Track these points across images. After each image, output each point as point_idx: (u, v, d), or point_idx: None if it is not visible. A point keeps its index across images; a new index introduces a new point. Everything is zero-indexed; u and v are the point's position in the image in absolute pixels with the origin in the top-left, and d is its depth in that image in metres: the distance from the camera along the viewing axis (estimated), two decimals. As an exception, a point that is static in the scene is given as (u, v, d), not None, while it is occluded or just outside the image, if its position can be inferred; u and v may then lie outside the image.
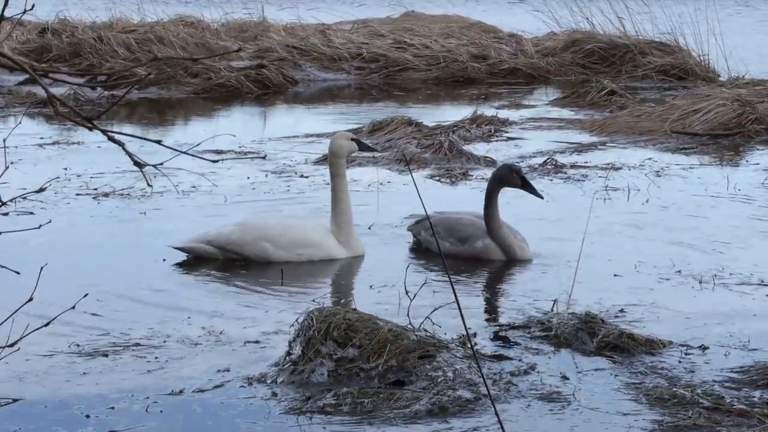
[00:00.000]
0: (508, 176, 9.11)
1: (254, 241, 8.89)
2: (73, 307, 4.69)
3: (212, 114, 17.93)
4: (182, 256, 8.96)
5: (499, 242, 9.01)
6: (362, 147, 9.60)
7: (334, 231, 9.04)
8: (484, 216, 9.08)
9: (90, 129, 3.08)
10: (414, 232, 9.47)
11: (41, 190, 4.04)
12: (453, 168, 12.71)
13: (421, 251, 9.30)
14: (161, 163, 3.28)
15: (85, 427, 5.67)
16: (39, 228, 5.07)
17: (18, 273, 4.61)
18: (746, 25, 32.36)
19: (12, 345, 4.91)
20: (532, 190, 9.21)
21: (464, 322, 3.07)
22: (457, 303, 3.17)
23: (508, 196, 11.31)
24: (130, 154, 3.07)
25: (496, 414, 3.40)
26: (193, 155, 3.39)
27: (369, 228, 9.83)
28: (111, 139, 3.03)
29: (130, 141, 3.54)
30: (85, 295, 5.00)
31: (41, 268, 4.71)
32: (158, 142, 3.15)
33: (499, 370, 6.40)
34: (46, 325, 4.59)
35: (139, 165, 3.09)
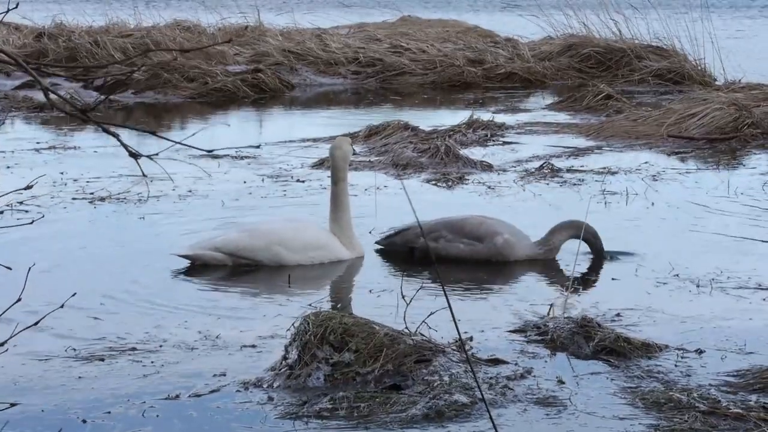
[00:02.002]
0: (592, 240, 9.02)
1: (267, 246, 8.87)
2: (62, 306, 4.67)
3: (209, 118, 17.93)
4: (183, 262, 8.91)
5: (553, 245, 9.00)
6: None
7: (336, 233, 9.08)
8: (563, 228, 9.04)
9: (84, 120, 3.09)
10: (402, 242, 9.21)
11: (28, 187, 4.05)
12: (449, 172, 12.71)
13: (408, 256, 9.24)
14: (156, 154, 3.30)
15: (81, 432, 5.66)
16: (32, 223, 5.07)
17: (9, 269, 4.61)
18: (740, 30, 32.40)
19: (1, 345, 4.91)
20: (600, 257, 9.10)
21: (457, 328, 3.07)
22: (450, 309, 3.18)
23: (508, 200, 11.35)
24: (125, 145, 3.08)
25: (491, 419, 3.40)
26: (187, 145, 3.40)
27: (369, 232, 9.82)
28: (106, 130, 3.04)
29: (125, 134, 3.53)
30: (74, 294, 4.99)
31: (29, 269, 4.69)
32: (153, 132, 3.17)
33: (495, 374, 6.40)
34: (36, 324, 4.57)
35: (134, 156, 3.10)
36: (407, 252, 9.25)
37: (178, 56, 20.32)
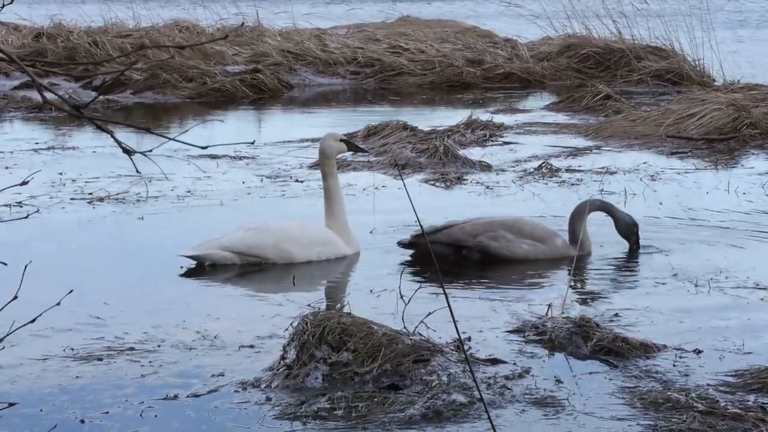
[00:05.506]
0: (631, 229, 9.20)
1: (276, 244, 8.92)
2: (58, 304, 4.68)
3: (208, 118, 17.91)
4: (180, 261, 8.88)
5: (578, 237, 9.05)
6: (351, 147, 9.68)
7: (332, 228, 9.15)
8: (575, 216, 9.11)
9: (78, 117, 3.09)
10: (449, 240, 9.00)
11: (24, 183, 4.06)
12: (448, 172, 12.71)
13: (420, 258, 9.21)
14: (150, 150, 3.29)
15: (79, 432, 5.67)
16: (27, 218, 5.06)
17: (5, 264, 4.62)
18: (737, 33, 32.43)
19: (-1, 341, 4.91)
20: (635, 249, 9.26)
21: (457, 328, 3.07)
22: (450, 309, 3.18)
23: (507, 199, 11.35)
24: (118, 142, 3.07)
25: (489, 419, 3.40)
26: (181, 141, 3.39)
27: (370, 233, 9.81)
28: (99, 127, 3.05)
29: (121, 134, 3.53)
30: (70, 291, 4.98)
31: (25, 266, 4.69)
32: (147, 129, 3.16)
33: (493, 374, 6.40)
34: (32, 321, 4.57)
35: (128, 152, 3.10)
36: (449, 251, 9.08)
37: (176, 55, 20.31)
